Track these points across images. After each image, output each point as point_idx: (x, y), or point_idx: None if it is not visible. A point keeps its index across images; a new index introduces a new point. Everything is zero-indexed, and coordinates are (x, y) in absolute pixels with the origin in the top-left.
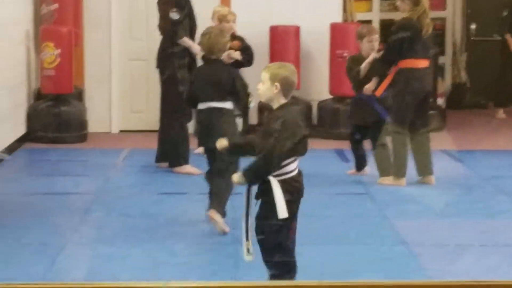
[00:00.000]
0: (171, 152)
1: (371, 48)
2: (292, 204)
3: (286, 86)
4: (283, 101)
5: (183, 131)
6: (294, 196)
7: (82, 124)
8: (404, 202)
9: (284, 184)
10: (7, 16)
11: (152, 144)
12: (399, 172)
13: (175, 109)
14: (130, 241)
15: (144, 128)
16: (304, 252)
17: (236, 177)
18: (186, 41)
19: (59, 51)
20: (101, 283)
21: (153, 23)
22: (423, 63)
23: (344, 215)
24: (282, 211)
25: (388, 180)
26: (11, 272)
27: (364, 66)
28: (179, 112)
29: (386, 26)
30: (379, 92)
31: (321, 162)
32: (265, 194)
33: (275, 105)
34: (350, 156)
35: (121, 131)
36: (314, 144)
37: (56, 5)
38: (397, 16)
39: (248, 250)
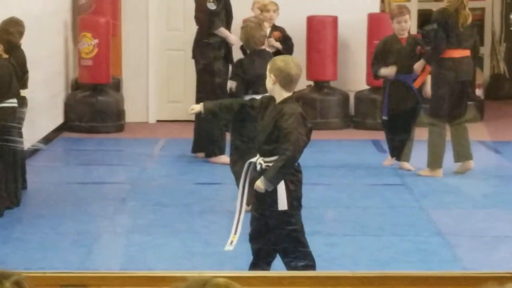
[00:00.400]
0: (207, 142)
1: (401, 29)
2: (297, 193)
3: (280, 78)
4: (284, 94)
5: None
6: (298, 186)
7: (119, 114)
8: (440, 193)
9: (289, 175)
10: (45, 6)
11: (189, 134)
12: (436, 163)
13: (211, 99)
14: (165, 231)
15: (181, 118)
16: (340, 242)
17: (261, 183)
18: (222, 31)
19: (96, 41)
20: (136, 272)
21: (190, 14)
22: (459, 53)
23: (381, 206)
24: (282, 203)
25: (425, 171)
26: (48, 261)
27: (383, 72)
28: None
29: (424, 16)
30: (418, 84)
31: (358, 152)
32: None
33: (277, 98)
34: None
35: (158, 121)
36: (351, 135)
37: None
38: (435, 6)
39: (231, 242)
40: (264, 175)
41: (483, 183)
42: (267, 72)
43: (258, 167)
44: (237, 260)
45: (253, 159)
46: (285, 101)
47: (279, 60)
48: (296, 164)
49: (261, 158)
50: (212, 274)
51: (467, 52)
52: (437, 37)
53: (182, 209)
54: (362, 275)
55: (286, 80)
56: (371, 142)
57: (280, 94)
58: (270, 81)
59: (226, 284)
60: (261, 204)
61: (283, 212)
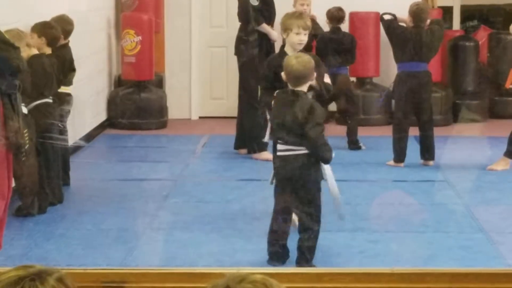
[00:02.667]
0: (249, 138)
1: None
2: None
3: (285, 74)
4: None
5: (262, 117)
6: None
7: (162, 110)
8: (484, 189)
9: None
10: (89, 3)
11: (231, 130)
12: None
13: (253, 96)
14: (207, 228)
15: (224, 115)
16: (383, 239)
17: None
18: (265, 27)
19: (139, 38)
20: (177, 269)
21: (233, 10)
22: None
23: (424, 202)
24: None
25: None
26: (91, 257)
27: None
28: (257, 98)
29: (466, 12)
30: (508, 84)
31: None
32: None
33: None
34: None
35: (201, 117)
36: None
37: None
38: (477, 1)
39: None
40: None
41: None
42: None
43: None
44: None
45: None
46: None
47: (287, 57)
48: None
49: None
50: (251, 270)
51: None
52: None
53: (224, 206)
54: (402, 271)
55: (289, 77)
56: (414, 139)
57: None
58: None
59: (263, 280)
60: None
61: None
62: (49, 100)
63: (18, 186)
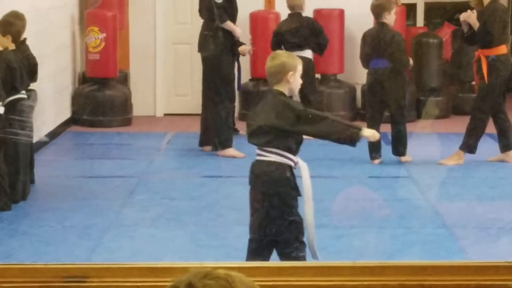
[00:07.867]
0: (214, 135)
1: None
2: None
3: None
4: None
5: (226, 114)
6: None
7: (126, 107)
8: (447, 185)
9: None
10: (53, 1)
11: (196, 127)
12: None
13: (218, 93)
14: (172, 224)
15: (188, 112)
16: (346, 235)
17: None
18: (228, 24)
19: (104, 35)
20: (139, 264)
21: (197, 7)
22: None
23: (387, 198)
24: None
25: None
26: (55, 254)
27: None
28: (221, 95)
29: (430, 10)
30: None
31: (365, 145)
32: None
33: None
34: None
35: (165, 114)
36: None
37: None
38: None
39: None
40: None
41: (489, 175)
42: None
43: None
44: (243, 253)
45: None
46: None
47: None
48: None
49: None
50: (214, 265)
51: None
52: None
53: (189, 202)
54: (363, 265)
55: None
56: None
57: None
58: None
59: (225, 276)
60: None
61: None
62: (23, 96)
63: None
